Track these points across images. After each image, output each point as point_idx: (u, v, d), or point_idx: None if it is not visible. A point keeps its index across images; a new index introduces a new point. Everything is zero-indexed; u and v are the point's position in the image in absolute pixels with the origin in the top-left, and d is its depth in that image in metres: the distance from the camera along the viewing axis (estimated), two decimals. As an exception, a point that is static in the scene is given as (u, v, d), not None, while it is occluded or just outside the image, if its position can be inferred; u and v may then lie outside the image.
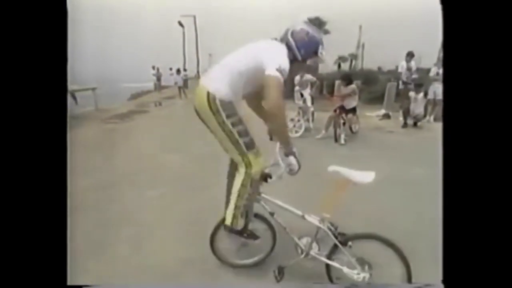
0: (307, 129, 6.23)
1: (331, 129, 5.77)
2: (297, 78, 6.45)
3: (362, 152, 5.01)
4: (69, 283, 1.18)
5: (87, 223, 2.76)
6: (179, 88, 14.66)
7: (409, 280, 1.67)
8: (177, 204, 3.07)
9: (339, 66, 29.14)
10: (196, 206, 2.98)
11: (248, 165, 1.76)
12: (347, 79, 5.97)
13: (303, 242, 1.84)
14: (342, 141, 5.50)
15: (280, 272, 1.86)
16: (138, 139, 6.49)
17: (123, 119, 9.00)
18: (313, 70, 8.15)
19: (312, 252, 1.81)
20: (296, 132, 6.11)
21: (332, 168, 1.64)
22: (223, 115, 1.72)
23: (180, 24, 28.38)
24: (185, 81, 15.08)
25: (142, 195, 3.40)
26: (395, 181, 3.56)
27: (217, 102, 1.71)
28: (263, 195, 1.88)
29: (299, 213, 1.80)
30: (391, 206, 3.00)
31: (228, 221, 1.84)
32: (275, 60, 1.68)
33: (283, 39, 1.86)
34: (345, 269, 1.72)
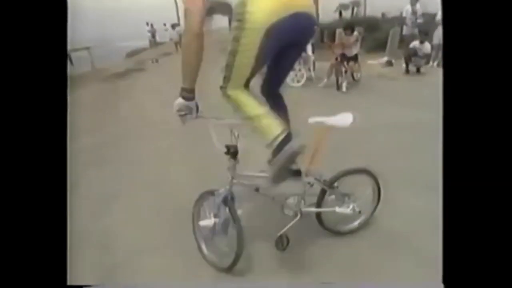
0: (308, 78, 6.15)
1: (333, 77, 5.71)
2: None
3: (364, 100, 4.99)
4: (69, 281, 1.20)
5: (98, 175, 2.92)
6: (176, 43, 14.23)
7: (379, 197, 1.86)
8: (187, 151, 3.17)
9: (340, 14, 27.73)
10: (207, 152, 3.08)
11: None
12: (350, 28, 5.76)
13: (291, 202, 1.73)
14: (344, 89, 5.48)
15: (282, 240, 1.71)
16: (138, 96, 6.49)
17: (121, 78, 8.90)
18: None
19: (303, 209, 1.73)
20: (298, 81, 6.03)
21: (312, 119, 1.58)
22: None
23: (171, -26, 26.59)
24: (181, 36, 14.62)
25: (152, 146, 3.50)
26: (396, 126, 3.61)
27: None
28: (244, 173, 1.67)
29: None
30: (392, 149, 3.06)
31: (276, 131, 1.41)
32: None
33: None
34: (338, 209, 1.75)
